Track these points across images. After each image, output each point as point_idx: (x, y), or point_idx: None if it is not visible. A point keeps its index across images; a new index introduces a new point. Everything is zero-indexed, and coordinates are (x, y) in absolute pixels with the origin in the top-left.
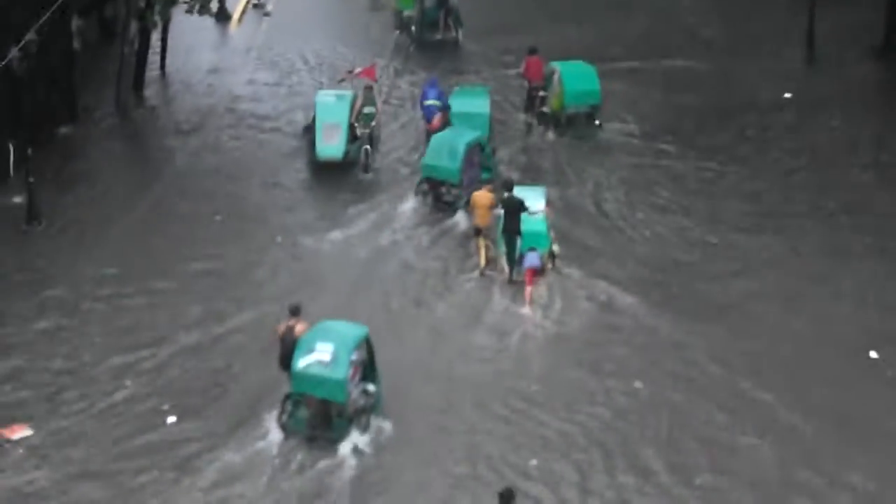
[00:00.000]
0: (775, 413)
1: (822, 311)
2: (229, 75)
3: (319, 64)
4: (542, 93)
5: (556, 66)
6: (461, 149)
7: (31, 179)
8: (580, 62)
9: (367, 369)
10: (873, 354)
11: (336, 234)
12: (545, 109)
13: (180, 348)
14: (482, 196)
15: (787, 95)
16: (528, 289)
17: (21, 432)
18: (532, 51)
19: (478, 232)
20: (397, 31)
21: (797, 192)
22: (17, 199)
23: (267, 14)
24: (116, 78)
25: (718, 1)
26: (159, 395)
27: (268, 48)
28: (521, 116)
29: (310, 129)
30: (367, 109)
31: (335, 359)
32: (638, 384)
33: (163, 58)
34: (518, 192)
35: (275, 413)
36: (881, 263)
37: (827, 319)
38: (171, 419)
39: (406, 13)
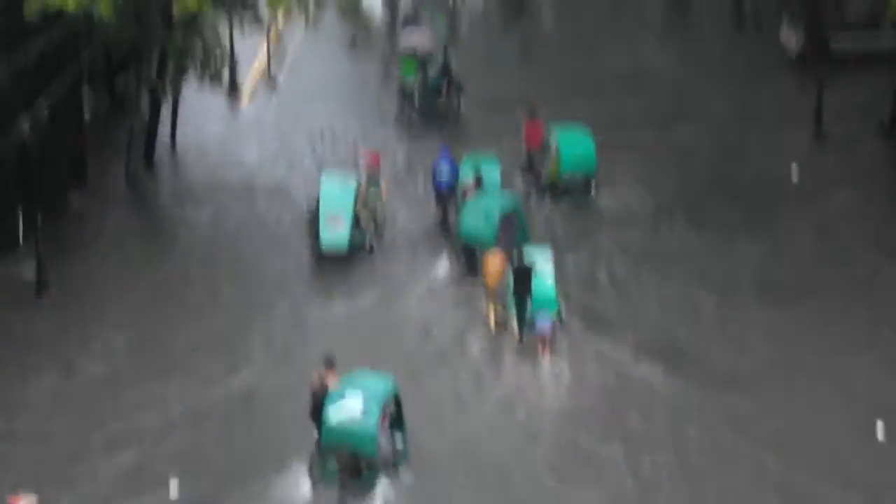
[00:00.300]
0: (799, 483)
1: (839, 380)
2: (239, 147)
3: (328, 136)
4: (537, 156)
5: (554, 130)
6: (496, 213)
7: (40, 248)
8: (577, 128)
9: (395, 419)
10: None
11: (343, 303)
12: (542, 173)
13: (191, 414)
14: (494, 259)
15: (795, 170)
16: (543, 353)
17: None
18: (532, 113)
19: (489, 294)
20: (400, 98)
21: (805, 266)
22: (27, 268)
23: (277, 89)
24: (126, 148)
25: (728, 77)
26: (168, 460)
27: (278, 120)
28: (519, 181)
29: (314, 220)
30: (371, 195)
31: (366, 412)
32: (660, 454)
33: (173, 129)
34: (524, 252)
35: (304, 465)
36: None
37: (841, 387)
38: (174, 485)
39: (409, 81)
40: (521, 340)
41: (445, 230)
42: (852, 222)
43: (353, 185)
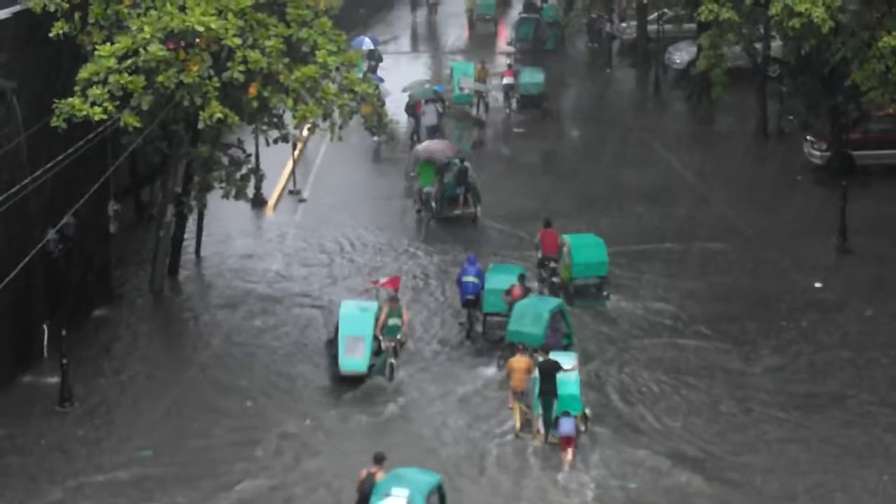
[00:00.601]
0: None
1: (867, 485)
2: (264, 260)
3: (354, 249)
4: (553, 264)
5: (567, 238)
6: (545, 315)
7: (65, 360)
8: (590, 235)
9: None
10: None
11: (364, 411)
12: (555, 279)
13: None
14: (519, 361)
15: (818, 285)
16: (566, 456)
17: None
18: (547, 224)
19: (515, 395)
20: (417, 207)
21: (830, 376)
22: (51, 380)
23: (302, 200)
24: (152, 261)
25: (753, 190)
26: None
27: (303, 233)
28: (535, 285)
29: (332, 343)
30: (391, 321)
31: (410, 503)
32: None
33: (198, 242)
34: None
35: None
36: None
37: (870, 493)
38: None
39: (426, 189)
40: (546, 441)
41: (471, 337)
42: (876, 335)
43: (372, 309)
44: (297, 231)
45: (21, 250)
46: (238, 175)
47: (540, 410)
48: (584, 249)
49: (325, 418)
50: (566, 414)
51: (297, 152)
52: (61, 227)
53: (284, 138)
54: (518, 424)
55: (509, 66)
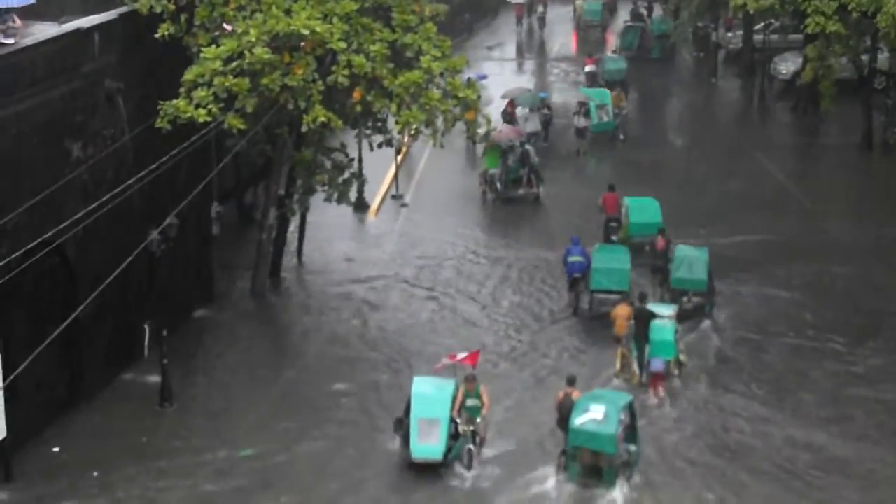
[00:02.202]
0: None
1: None
2: (366, 264)
3: (455, 253)
4: (614, 223)
5: (626, 200)
6: (704, 264)
7: (166, 360)
8: (648, 198)
9: (631, 432)
10: None
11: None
12: (614, 238)
13: None
14: (622, 309)
15: None
16: (657, 392)
17: None
18: (611, 188)
19: (617, 340)
20: (483, 189)
21: None
22: (152, 379)
23: (405, 205)
24: (254, 263)
25: (858, 204)
26: None
27: (404, 238)
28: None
29: (402, 423)
30: (470, 402)
31: (607, 417)
32: None
33: (300, 245)
34: (650, 306)
35: (551, 466)
36: None
37: None
38: None
39: (491, 171)
40: (640, 381)
41: (577, 314)
42: None
43: (449, 388)
44: (399, 236)
45: (124, 250)
46: (341, 179)
47: (636, 353)
48: (640, 211)
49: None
50: (658, 355)
51: (400, 157)
52: (164, 228)
53: (388, 143)
54: (618, 365)
55: (590, 54)
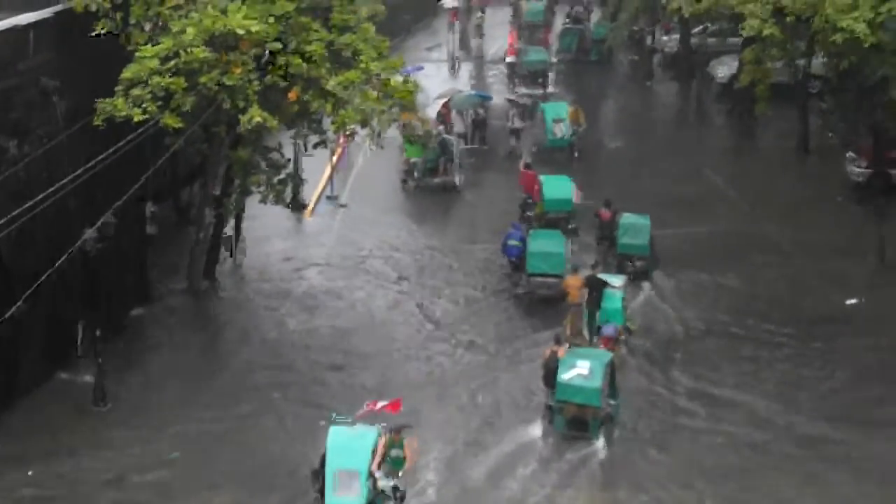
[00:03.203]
0: None
1: None
2: (302, 264)
3: (392, 253)
4: (529, 201)
5: (541, 178)
6: (647, 230)
7: (100, 360)
8: (562, 176)
9: (611, 387)
10: None
11: None
12: (529, 213)
13: None
14: (573, 279)
15: (852, 301)
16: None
17: None
18: (527, 166)
19: (569, 305)
20: (403, 177)
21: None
22: (86, 378)
23: (342, 205)
24: (189, 263)
25: (792, 206)
26: None
27: (341, 238)
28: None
29: (318, 475)
30: (393, 453)
31: (592, 372)
32: None
33: (236, 245)
34: (601, 275)
35: (538, 420)
36: None
37: None
38: None
39: (412, 160)
40: (590, 342)
41: (518, 296)
42: None
43: (370, 437)
44: (336, 235)
45: (59, 249)
46: (277, 179)
47: (587, 318)
48: (554, 187)
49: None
50: (610, 321)
51: (335, 158)
52: (99, 227)
53: (323, 143)
54: (568, 332)
55: (511, 45)
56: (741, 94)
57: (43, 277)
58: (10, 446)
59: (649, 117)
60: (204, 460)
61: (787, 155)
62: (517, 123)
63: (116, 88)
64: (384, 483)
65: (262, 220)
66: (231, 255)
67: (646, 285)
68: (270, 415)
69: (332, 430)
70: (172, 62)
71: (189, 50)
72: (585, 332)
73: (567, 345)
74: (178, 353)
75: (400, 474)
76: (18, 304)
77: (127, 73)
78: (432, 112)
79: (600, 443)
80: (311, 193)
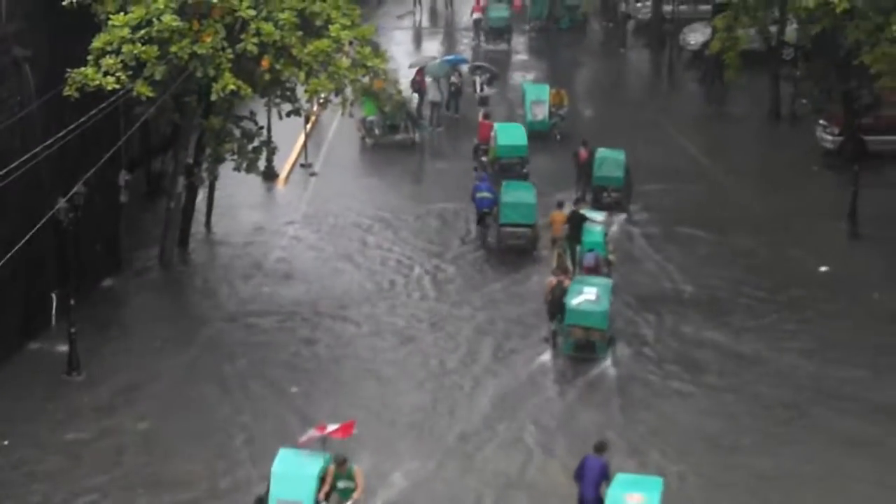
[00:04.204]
0: None
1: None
2: (274, 234)
3: (362, 222)
4: (484, 146)
5: (496, 125)
6: (605, 295)
7: (73, 329)
8: (515, 124)
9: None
10: None
11: None
12: (483, 159)
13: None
14: (558, 215)
15: (824, 268)
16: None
17: None
18: (485, 115)
19: (554, 241)
20: (362, 135)
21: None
22: (59, 348)
23: (314, 174)
24: (162, 232)
25: (764, 173)
26: None
27: (313, 207)
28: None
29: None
30: (341, 484)
31: (599, 298)
32: None
33: (209, 214)
34: (583, 211)
35: (547, 347)
36: None
37: None
38: None
39: (369, 118)
40: (573, 273)
41: (485, 246)
42: (885, 318)
43: (317, 465)
44: (308, 205)
45: (31, 219)
46: (250, 147)
47: (568, 251)
48: (507, 134)
49: (322, 397)
50: (591, 251)
51: (308, 126)
52: (71, 196)
53: (296, 112)
54: (555, 263)
55: (477, 2)
56: (712, 61)
57: (15, 248)
58: None
59: (622, 85)
60: (176, 430)
61: (759, 122)
62: (485, 90)
63: (88, 58)
64: None
65: (235, 188)
66: (206, 225)
67: (621, 216)
68: (241, 384)
69: (280, 454)
70: (144, 31)
71: (160, 18)
72: (569, 263)
73: (563, 276)
74: (150, 323)
75: None
76: None
77: (98, 42)
78: (405, 80)
79: (608, 361)
80: (284, 162)
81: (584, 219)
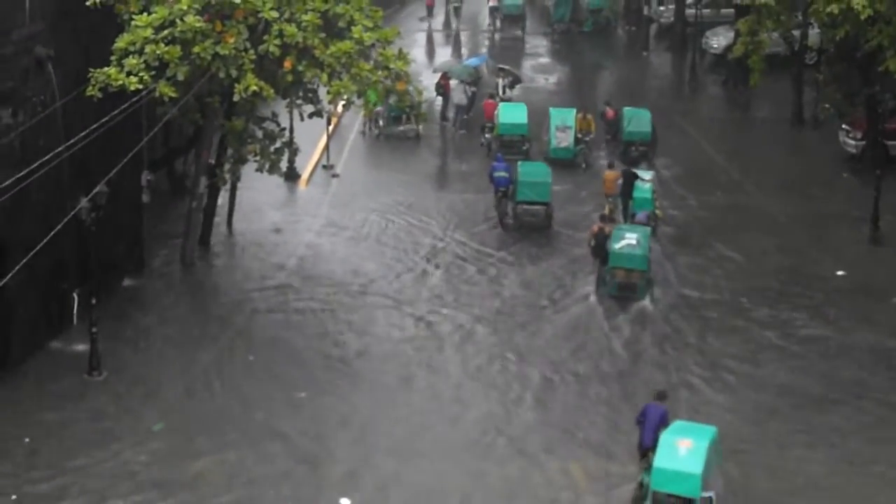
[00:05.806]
0: None
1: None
2: (296, 234)
3: (385, 224)
4: (489, 124)
5: (500, 105)
6: (646, 242)
7: (95, 329)
8: (518, 103)
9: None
10: None
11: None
12: (487, 135)
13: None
14: (610, 174)
15: (841, 273)
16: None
17: None
18: (491, 96)
19: (607, 196)
20: (366, 124)
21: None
22: (80, 348)
23: (336, 175)
24: (183, 232)
25: (786, 178)
26: None
27: (335, 208)
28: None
29: None
30: None
31: (639, 242)
32: None
33: (230, 214)
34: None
35: (591, 287)
36: None
37: None
38: None
39: (376, 109)
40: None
41: (504, 225)
42: None
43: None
44: (330, 206)
45: (54, 218)
46: (272, 148)
47: (620, 206)
48: (509, 113)
49: (342, 402)
50: (640, 209)
51: (331, 128)
52: (94, 196)
53: (318, 113)
54: (607, 211)
55: None
56: (735, 64)
57: (38, 247)
58: (5, 415)
59: (644, 88)
60: (195, 429)
61: (782, 126)
62: (507, 93)
63: (111, 58)
64: None
65: (257, 189)
66: (227, 226)
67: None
68: (263, 384)
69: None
70: (166, 31)
71: (183, 19)
72: (620, 217)
73: (606, 224)
74: (171, 323)
75: None
76: (12, 273)
77: (121, 43)
78: (428, 82)
79: (647, 301)
80: (306, 163)
81: (635, 177)
